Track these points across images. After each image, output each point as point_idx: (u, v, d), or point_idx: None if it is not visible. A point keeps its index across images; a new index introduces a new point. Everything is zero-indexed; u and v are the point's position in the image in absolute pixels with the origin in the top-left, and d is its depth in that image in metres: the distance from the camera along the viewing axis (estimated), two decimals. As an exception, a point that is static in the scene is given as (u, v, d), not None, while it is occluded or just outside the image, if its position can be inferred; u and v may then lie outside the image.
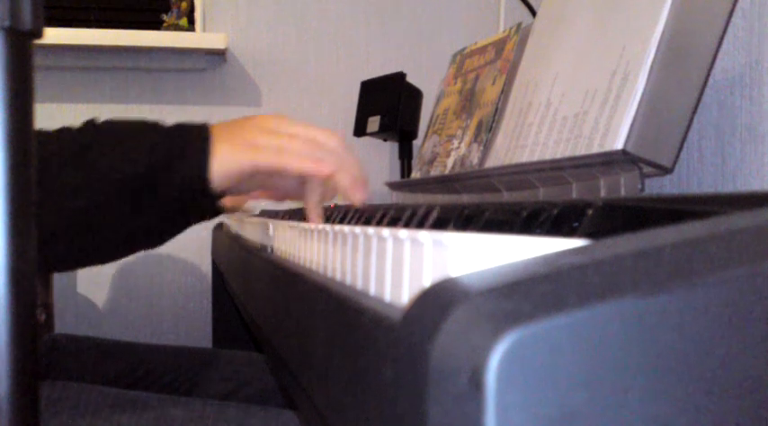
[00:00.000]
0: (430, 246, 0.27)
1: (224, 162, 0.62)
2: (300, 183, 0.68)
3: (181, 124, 0.64)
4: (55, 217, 0.57)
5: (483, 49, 1.03)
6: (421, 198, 1.12)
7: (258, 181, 0.67)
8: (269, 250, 0.69)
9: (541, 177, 0.75)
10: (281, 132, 0.66)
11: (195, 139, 0.62)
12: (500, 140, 0.87)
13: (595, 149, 0.66)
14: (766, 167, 0.73)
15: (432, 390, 0.19)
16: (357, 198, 0.66)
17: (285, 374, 0.49)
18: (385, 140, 1.69)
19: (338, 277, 0.41)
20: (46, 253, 0.59)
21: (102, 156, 0.59)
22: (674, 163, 0.64)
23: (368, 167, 2.16)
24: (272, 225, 0.71)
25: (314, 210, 0.68)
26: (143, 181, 0.60)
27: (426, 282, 0.27)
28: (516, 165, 0.77)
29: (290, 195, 0.73)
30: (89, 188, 0.58)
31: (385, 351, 0.24)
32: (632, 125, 0.63)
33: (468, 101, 1.00)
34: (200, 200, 0.63)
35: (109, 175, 0.59)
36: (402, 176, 1.55)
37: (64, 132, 0.61)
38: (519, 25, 0.95)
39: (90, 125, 0.63)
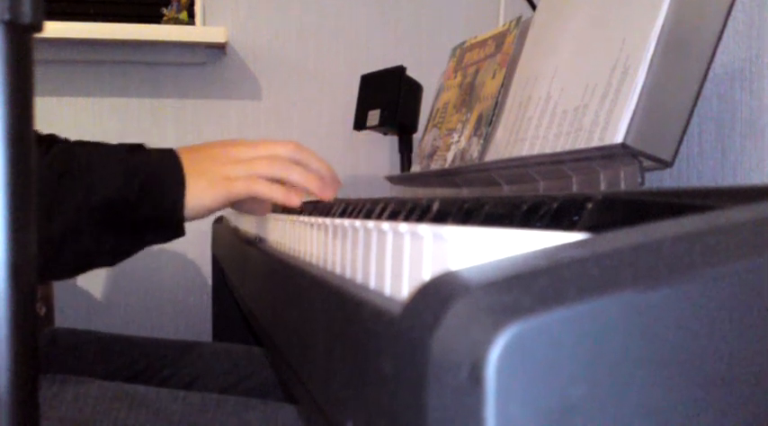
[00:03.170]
0: (430, 240, 0.27)
1: (199, 197, 0.66)
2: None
3: (154, 152, 0.67)
4: None
5: (483, 43, 1.02)
6: (421, 191, 1.12)
7: (237, 204, 0.72)
8: (269, 243, 0.69)
9: (541, 171, 0.75)
10: (246, 157, 0.70)
11: (170, 172, 0.65)
12: (500, 134, 0.87)
13: (595, 143, 0.66)
14: (766, 161, 0.73)
15: (432, 383, 0.19)
16: (325, 196, 0.70)
17: (285, 367, 0.49)
18: (385, 134, 1.69)
19: (338, 270, 0.41)
20: None
21: (76, 184, 0.61)
22: (674, 156, 0.64)
23: (368, 161, 2.15)
24: (272, 218, 0.71)
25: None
26: (116, 211, 0.63)
27: (426, 276, 0.27)
28: (516, 159, 0.77)
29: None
30: (62, 214, 0.61)
31: (385, 345, 0.24)
32: (632, 118, 0.63)
33: (468, 94, 1.00)
34: (169, 231, 0.67)
35: (83, 203, 0.61)
36: (402, 170, 1.55)
37: (41, 161, 0.63)
38: (519, 19, 0.95)
39: (65, 150, 0.64)
